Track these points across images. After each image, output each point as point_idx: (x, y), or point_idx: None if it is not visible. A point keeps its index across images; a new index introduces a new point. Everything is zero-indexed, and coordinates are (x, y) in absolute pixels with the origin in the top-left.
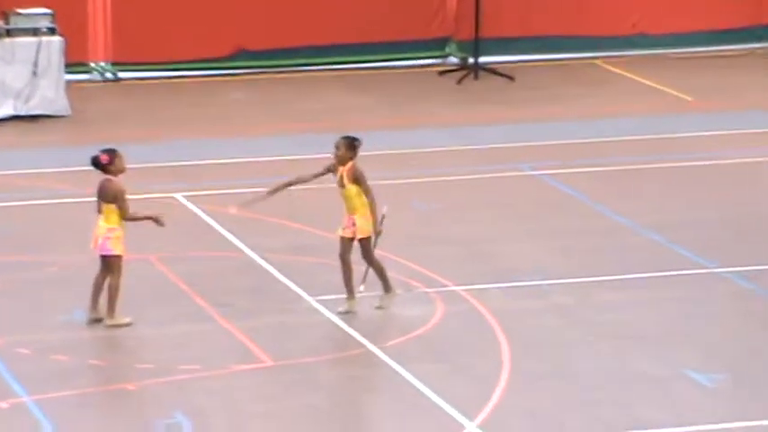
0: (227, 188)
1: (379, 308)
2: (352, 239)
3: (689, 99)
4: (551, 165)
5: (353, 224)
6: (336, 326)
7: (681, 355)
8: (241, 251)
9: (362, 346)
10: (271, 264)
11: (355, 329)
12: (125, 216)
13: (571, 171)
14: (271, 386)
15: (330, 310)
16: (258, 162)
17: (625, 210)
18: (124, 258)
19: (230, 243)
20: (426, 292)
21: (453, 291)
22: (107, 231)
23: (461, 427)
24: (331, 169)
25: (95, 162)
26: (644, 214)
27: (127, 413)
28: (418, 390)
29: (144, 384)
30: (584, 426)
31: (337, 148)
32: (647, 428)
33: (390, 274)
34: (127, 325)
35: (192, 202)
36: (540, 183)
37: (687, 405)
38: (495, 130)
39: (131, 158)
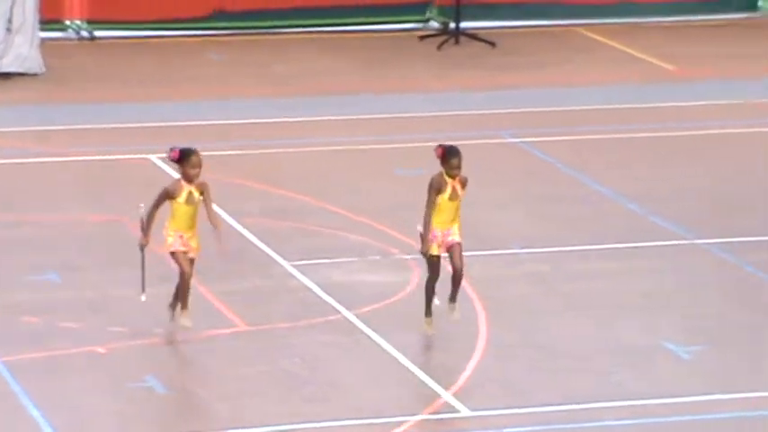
0: (203, 150)
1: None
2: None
3: (670, 68)
4: (531, 132)
5: (451, 234)
6: (312, 292)
7: (658, 326)
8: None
9: (338, 312)
10: (247, 228)
11: (331, 296)
12: (146, 213)
13: (551, 139)
14: (245, 351)
15: (306, 275)
16: (234, 124)
17: (604, 179)
18: (98, 221)
19: None
20: (404, 259)
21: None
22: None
23: (436, 395)
24: (438, 188)
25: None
26: (624, 184)
27: (98, 376)
28: (394, 357)
29: (116, 347)
30: (560, 395)
31: (459, 167)
32: (622, 399)
33: (368, 240)
34: (182, 327)
35: (167, 164)
36: (519, 150)
37: (664, 377)
38: (476, 96)
39: (105, 119)
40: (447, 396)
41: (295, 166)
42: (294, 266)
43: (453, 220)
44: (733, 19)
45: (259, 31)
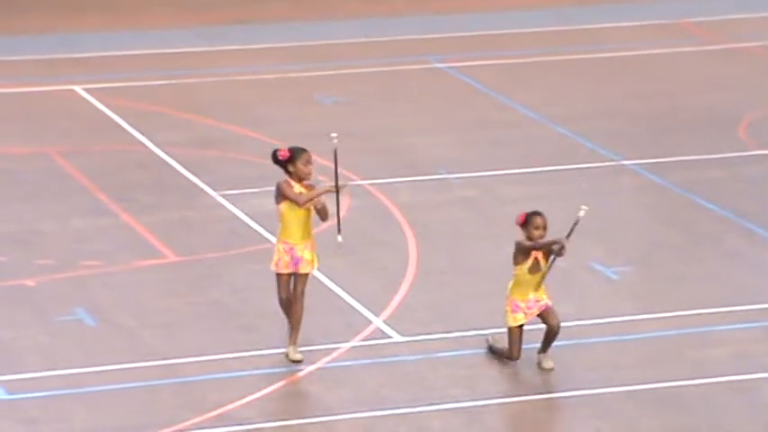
0: (129, 81)
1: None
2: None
3: None
4: (458, 57)
5: (537, 300)
6: (241, 221)
7: (586, 247)
8: (143, 145)
9: (267, 240)
10: (174, 158)
11: (260, 225)
12: (298, 203)
13: (478, 63)
14: (174, 282)
15: (234, 204)
16: (159, 54)
17: (532, 102)
18: (23, 153)
19: (132, 137)
20: (332, 186)
21: (359, 185)
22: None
23: (368, 322)
24: (516, 256)
25: (274, 157)
26: (551, 107)
27: (27, 309)
28: (325, 285)
29: (44, 280)
30: (490, 319)
31: (540, 227)
32: None
33: None
34: (294, 361)
35: (93, 95)
36: (446, 75)
37: (592, 297)
38: (402, 21)
39: (29, 50)
40: (378, 322)
41: (219, 95)
42: (222, 196)
43: (535, 292)
44: None
45: None
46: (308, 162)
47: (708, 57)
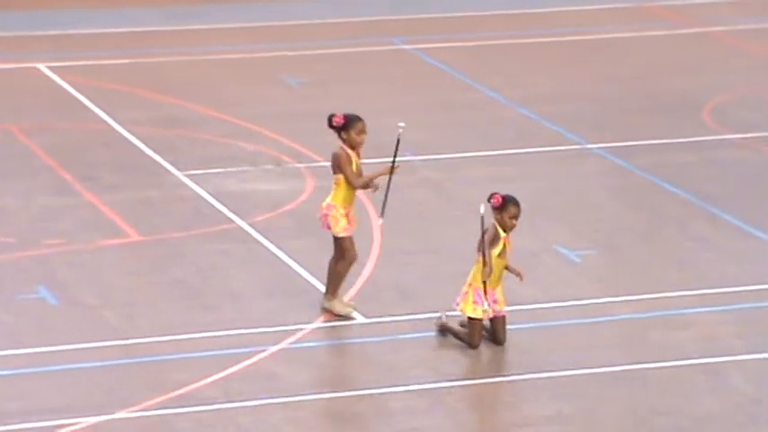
0: (93, 59)
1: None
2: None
3: None
4: (424, 39)
5: (495, 301)
6: (205, 201)
7: (550, 230)
8: (107, 124)
9: (231, 221)
10: (138, 137)
11: (225, 205)
12: (354, 184)
13: (443, 45)
14: (137, 261)
15: (199, 184)
16: (123, 33)
17: (496, 84)
18: None
19: (96, 115)
20: (297, 167)
21: (323, 166)
22: (326, 207)
23: None
24: (491, 241)
25: (329, 122)
26: (515, 89)
27: None
28: (288, 265)
29: (6, 258)
30: (453, 300)
31: (516, 216)
32: (515, 304)
33: (260, 148)
34: (346, 318)
35: (56, 73)
36: (412, 57)
37: (556, 280)
38: (369, 2)
39: None
40: None
41: (185, 74)
42: (187, 176)
43: (499, 280)
44: None
45: None
46: (362, 131)
47: (675, 40)
